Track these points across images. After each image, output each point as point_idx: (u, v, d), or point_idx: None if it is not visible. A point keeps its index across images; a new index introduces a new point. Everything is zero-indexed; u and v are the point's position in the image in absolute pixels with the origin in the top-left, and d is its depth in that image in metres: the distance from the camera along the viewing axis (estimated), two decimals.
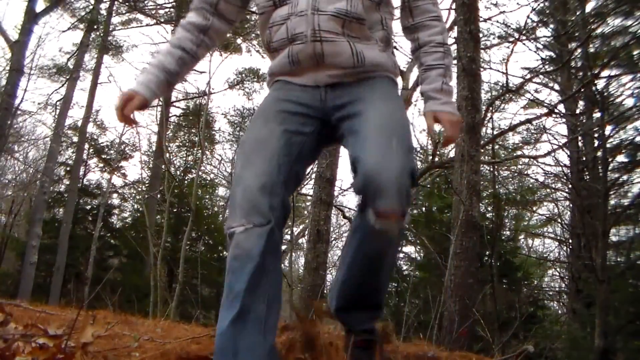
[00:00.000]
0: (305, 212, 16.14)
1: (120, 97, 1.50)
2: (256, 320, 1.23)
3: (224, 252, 16.82)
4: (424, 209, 14.22)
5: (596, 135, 10.28)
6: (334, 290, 1.56)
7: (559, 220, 13.42)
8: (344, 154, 6.52)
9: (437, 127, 1.59)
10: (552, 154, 10.39)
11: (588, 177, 10.70)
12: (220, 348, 1.21)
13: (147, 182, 14.80)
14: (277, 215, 1.32)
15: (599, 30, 8.81)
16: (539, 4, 9.05)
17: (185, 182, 15.63)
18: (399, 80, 1.63)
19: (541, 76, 11.59)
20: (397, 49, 9.56)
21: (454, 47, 9.38)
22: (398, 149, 1.29)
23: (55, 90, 15.04)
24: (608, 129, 9.73)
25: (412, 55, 1.64)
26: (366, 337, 1.52)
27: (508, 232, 13.16)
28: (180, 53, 1.56)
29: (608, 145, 9.68)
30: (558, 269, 14.20)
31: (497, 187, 11.17)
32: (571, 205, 12.07)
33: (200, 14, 1.58)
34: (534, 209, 14.42)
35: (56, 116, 14.24)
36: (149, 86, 1.52)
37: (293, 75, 1.49)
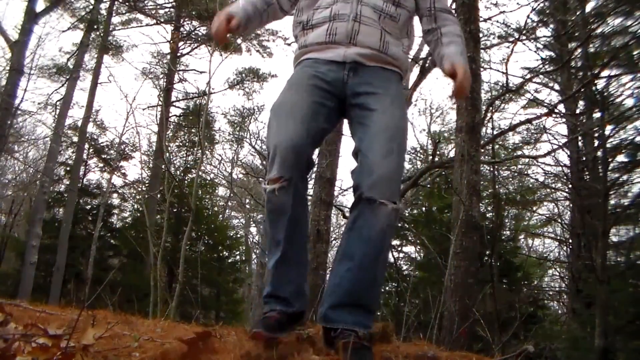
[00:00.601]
0: None
1: (220, 17, 1.74)
2: (293, 261, 1.66)
3: (224, 252, 16.83)
4: (424, 209, 14.23)
5: (596, 135, 10.28)
6: (328, 290, 1.63)
7: (559, 220, 13.42)
8: (343, 155, 6.52)
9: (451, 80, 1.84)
10: (552, 154, 10.39)
11: (588, 177, 10.70)
12: (271, 282, 1.68)
13: (147, 182, 14.80)
14: (303, 169, 1.63)
15: (599, 30, 8.81)
16: (539, 4, 9.04)
17: (185, 182, 15.62)
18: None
19: (541, 76, 11.59)
20: None
21: None
22: (397, 152, 1.60)
23: (55, 90, 15.05)
24: (608, 129, 9.73)
25: (429, 39, 1.90)
26: (354, 338, 1.48)
27: (508, 232, 13.16)
28: (251, 7, 1.84)
29: (608, 145, 9.67)
30: (558, 269, 14.21)
31: (497, 187, 11.17)
32: (571, 205, 12.07)
33: None
34: (534, 209, 14.42)
35: (56, 116, 14.24)
36: (245, 10, 1.80)
37: (324, 50, 1.74)
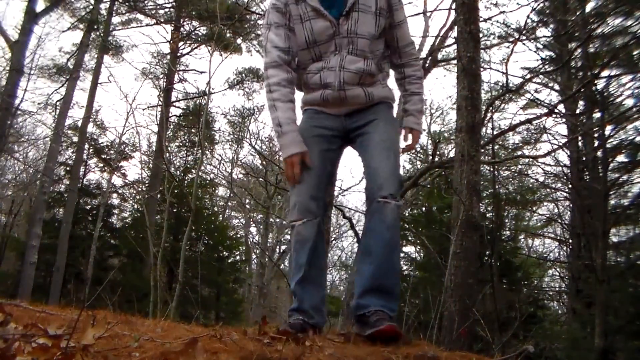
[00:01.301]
0: None
1: (296, 165, 2.00)
2: (312, 281, 2.01)
3: (224, 252, 16.83)
4: (424, 209, 14.22)
5: (596, 135, 10.28)
6: (356, 286, 1.99)
7: (559, 220, 13.42)
8: (343, 156, 6.50)
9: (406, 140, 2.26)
10: (552, 154, 10.40)
11: (588, 177, 10.70)
12: (295, 298, 2.02)
13: (147, 182, 14.80)
14: (321, 213, 2.04)
15: (599, 30, 8.81)
16: (539, 4, 9.04)
17: (185, 182, 15.62)
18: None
19: (541, 76, 11.58)
20: None
21: (454, 47, 9.42)
22: (392, 159, 2.00)
23: (55, 90, 15.06)
24: (608, 129, 9.73)
25: (397, 82, 2.30)
26: (382, 315, 1.82)
27: (508, 232, 13.16)
28: (292, 105, 2.07)
29: (608, 145, 9.68)
30: (558, 269, 14.21)
31: (497, 187, 11.16)
32: (571, 205, 12.07)
33: (285, 70, 2.05)
34: (534, 209, 14.42)
35: (56, 116, 14.24)
36: (302, 141, 2.02)
37: (323, 106, 2.12)
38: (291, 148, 1.99)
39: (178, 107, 18.13)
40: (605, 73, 8.75)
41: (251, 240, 21.61)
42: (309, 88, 2.13)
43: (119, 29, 17.02)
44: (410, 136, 2.21)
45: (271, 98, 2.04)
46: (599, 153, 9.98)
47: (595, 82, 8.78)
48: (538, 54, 11.89)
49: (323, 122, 2.11)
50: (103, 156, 17.26)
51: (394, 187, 1.95)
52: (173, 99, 17.59)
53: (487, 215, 11.38)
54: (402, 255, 13.42)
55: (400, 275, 2.09)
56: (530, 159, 10.98)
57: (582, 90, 9.10)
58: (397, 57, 2.19)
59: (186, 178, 16.25)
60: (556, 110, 9.78)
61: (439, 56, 10.87)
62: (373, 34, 2.03)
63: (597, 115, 10.25)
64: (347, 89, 2.04)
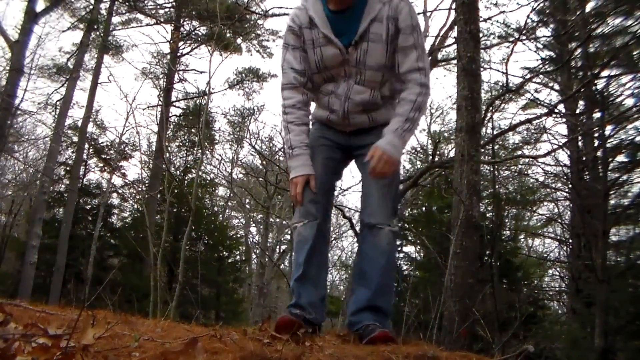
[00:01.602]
0: None
1: (300, 185, 2.04)
2: (310, 279, 2.04)
3: (224, 252, 16.83)
4: (424, 209, 14.22)
5: (596, 135, 10.27)
6: (349, 305, 2.07)
7: (559, 220, 13.41)
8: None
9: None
10: (552, 154, 10.39)
11: (588, 177, 10.70)
12: (293, 294, 2.06)
13: (147, 182, 14.80)
14: (322, 215, 2.08)
15: (599, 30, 8.80)
16: (539, 4, 9.03)
17: (185, 182, 15.62)
18: None
19: (541, 76, 11.58)
20: None
21: (454, 47, 9.42)
22: (387, 187, 2.05)
23: (55, 90, 15.07)
24: (608, 129, 9.73)
25: (395, 101, 2.21)
26: (375, 326, 1.87)
27: (508, 232, 13.16)
28: (306, 128, 2.13)
29: (608, 145, 9.67)
30: (558, 269, 14.21)
31: (497, 187, 11.16)
32: (571, 205, 12.06)
33: (300, 92, 2.10)
34: (534, 209, 14.41)
35: (56, 116, 14.24)
36: (310, 165, 2.08)
37: (329, 124, 2.17)
38: (299, 170, 2.05)
39: (178, 107, 18.15)
40: (605, 73, 8.75)
41: (251, 240, 21.61)
42: (319, 104, 2.19)
43: (119, 29, 17.04)
44: (374, 156, 1.97)
45: (286, 120, 2.10)
46: (599, 153, 9.98)
47: (595, 82, 8.78)
48: (538, 54, 11.89)
49: (329, 135, 2.17)
50: (103, 156, 17.25)
51: (385, 216, 2.00)
52: (173, 98, 17.59)
53: (487, 215, 11.37)
54: (402, 255, 13.44)
55: (393, 295, 2.24)
56: (530, 159, 10.97)
57: (582, 90, 9.10)
58: (399, 83, 2.10)
59: (186, 178, 16.25)
60: (556, 110, 9.79)
61: (439, 56, 10.88)
62: (382, 65, 2.02)
63: (597, 115, 10.24)
64: (352, 117, 2.09)
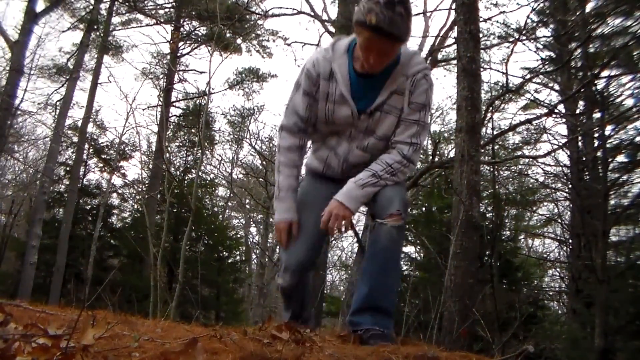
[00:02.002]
0: None
1: (283, 232, 2.04)
2: (299, 316, 2.19)
3: (224, 252, 16.82)
4: (424, 209, 14.22)
5: (596, 135, 10.27)
6: (352, 302, 2.01)
7: (559, 221, 13.41)
8: None
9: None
10: (552, 154, 10.38)
11: (588, 177, 10.69)
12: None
13: (147, 182, 14.80)
14: (307, 270, 2.15)
15: (599, 30, 8.80)
16: (539, 4, 9.03)
17: (185, 182, 15.62)
18: None
19: (541, 76, 11.57)
20: None
21: (454, 47, 9.42)
22: (398, 188, 2.00)
23: (55, 90, 15.08)
24: (608, 129, 9.72)
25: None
26: (375, 332, 1.84)
27: (508, 232, 13.15)
28: (297, 171, 2.11)
29: (608, 145, 9.66)
30: (558, 269, 14.20)
31: (497, 187, 11.16)
32: (571, 205, 12.06)
33: (297, 137, 2.08)
34: (534, 209, 14.41)
35: (56, 116, 14.24)
36: (293, 209, 2.06)
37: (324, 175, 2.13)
38: (283, 214, 2.04)
39: (178, 107, 18.16)
40: (605, 73, 8.73)
41: (251, 240, 21.61)
42: (316, 155, 2.15)
43: (119, 29, 17.05)
44: (326, 210, 1.94)
45: (278, 160, 2.10)
46: (599, 153, 9.97)
47: (595, 82, 8.77)
48: (538, 54, 11.88)
49: (323, 189, 2.11)
50: (103, 156, 17.25)
51: (396, 207, 1.91)
52: (173, 99, 17.60)
53: (487, 215, 11.37)
54: (402, 255, 13.42)
55: (396, 295, 2.09)
56: (530, 159, 10.97)
57: (582, 90, 9.09)
58: (389, 147, 2.04)
59: (186, 178, 16.25)
60: (556, 110, 9.78)
61: (439, 56, 10.89)
62: (388, 136, 2.01)
63: (597, 115, 10.23)
64: (348, 174, 2.06)
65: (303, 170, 2.24)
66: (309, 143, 2.20)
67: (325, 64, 1.99)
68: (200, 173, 14.02)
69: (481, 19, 7.72)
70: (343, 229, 1.95)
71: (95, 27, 15.13)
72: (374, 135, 2.01)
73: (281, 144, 2.09)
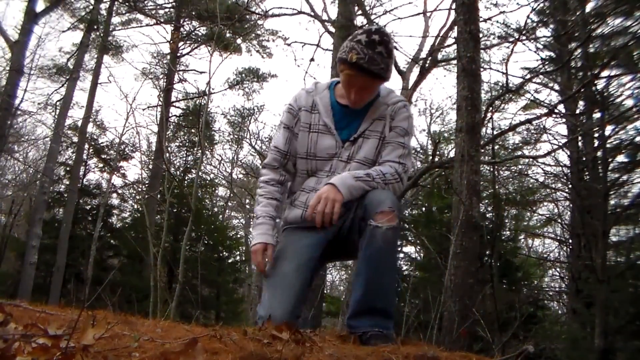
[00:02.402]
0: None
1: (258, 254, 1.99)
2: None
3: (224, 252, 16.84)
4: (424, 209, 14.22)
5: (596, 135, 10.27)
6: (350, 305, 1.93)
7: (559, 221, 13.42)
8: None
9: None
10: (552, 154, 10.40)
11: (588, 177, 10.69)
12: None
13: (147, 182, 14.80)
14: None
15: (599, 30, 8.80)
16: (539, 4, 9.04)
17: (185, 182, 15.62)
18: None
19: (541, 76, 11.57)
20: (397, 49, 9.58)
21: (454, 47, 9.43)
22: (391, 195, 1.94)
23: (55, 90, 15.08)
24: (608, 129, 9.73)
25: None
26: (374, 333, 1.78)
27: (508, 232, 13.16)
28: (276, 203, 2.08)
29: (608, 145, 9.67)
30: (558, 269, 14.21)
31: (497, 187, 11.16)
32: (571, 205, 12.06)
33: (277, 172, 2.09)
34: (534, 209, 14.42)
35: (56, 116, 14.24)
36: (270, 234, 2.01)
37: (302, 223, 2.01)
38: (257, 238, 2.01)
39: (178, 107, 18.15)
40: (605, 73, 8.73)
41: (251, 240, 21.59)
42: (294, 204, 2.09)
43: (119, 29, 17.05)
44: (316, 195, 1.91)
45: (258, 194, 2.11)
46: (599, 153, 9.98)
47: (595, 82, 8.77)
48: (538, 54, 11.88)
49: (304, 234, 2.03)
50: (103, 156, 17.26)
51: (388, 205, 1.84)
52: (173, 99, 17.59)
53: (487, 215, 11.38)
54: (402, 255, 13.43)
55: (395, 295, 2.00)
56: (530, 159, 10.99)
57: (582, 90, 9.09)
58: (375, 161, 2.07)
59: (186, 178, 16.26)
60: (556, 110, 9.78)
61: (439, 56, 10.90)
62: (370, 160, 2.02)
63: (597, 115, 10.24)
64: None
65: (279, 226, 2.20)
66: (285, 198, 2.16)
67: (308, 97, 2.07)
68: (200, 173, 14.02)
69: (481, 19, 7.72)
70: (335, 216, 1.85)
71: (95, 27, 15.13)
72: (355, 160, 2.00)
73: (261, 179, 2.11)
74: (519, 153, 12.29)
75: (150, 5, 17.00)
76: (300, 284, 1.96)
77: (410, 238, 13.32)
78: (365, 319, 1.83)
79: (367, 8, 9.97)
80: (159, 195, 12.80)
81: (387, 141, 2.02)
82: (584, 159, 10.82)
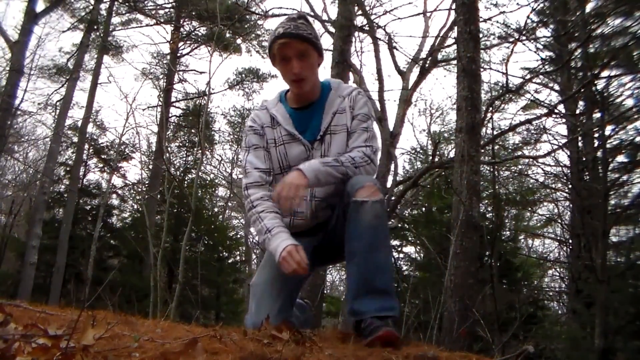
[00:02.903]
0: None
1: (294, 254, 1.83)
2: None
3: (224, 253, 16.83)
4: (424, 209, 14.23)
5: (596, 135, 10.27)
6: (347, 290, 1.89)
7: (559, 221, 13.42)
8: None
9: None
10: (552, 154, 10.39)
11: (588, 177, 10.70)
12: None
13: (147, 182, 14.80)
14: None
15: (599, 30, 8.80)
16: (539, 4, 9.03)
17: (185, 182, 15.62)
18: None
19: (541, 76, 11.58)
20: (397, 49, 9.58)
21: (454, 47, 9.43)
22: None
23: (55, 90, 15.08)
24: (608, 129, 9.72)
25: None
26: (378, 323, 1.70)
27: (508, 232, 13.16)
28: (279, 215, 1.97)
29: (608, 145, 9.67)
30: (558, 269, 14.22)
31: (497, 187, 11.16)
32: (571, 205, 12.06)
33: (265, 188, 2.02)
34: (534, 209, 14.42)
35: (56, 116, 14.24)
36: (291, 239, 1.89)
37: (291, 231, 1.96)
38: (283, 243, 1.87)
39: (178, 108, 18.15)
40: (605, 73, 8.73)
41: (251, 240, 21.52)
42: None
43: (119, 29, 17.05)
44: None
45: (256, 212, 1.97)
46: (599, 153, 9.98)
47: (595, 82, 8.77)
48: (538, 54, 11.89)
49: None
50: (103, 156, 17.25)
51: (367, 181, 1.85)
52: (173, 99, 17.60)
53: (487, 215, 11.38)
54: (401, 255, 13.44)
55: (392, 273, 1.93)
56: (530, 159, 10.98)
57: (582, 90, 9.10)
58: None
59: (186, 178, 16.26)
60: (556, 111, 9.77)
61: (439, 56, 10.89)
62: (343, 152, 2.01)
63: (597, 115, 10.24)
64: (319, 215, 2.04)
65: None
66: None
67: (264, 114, 2.10)
68: (200, 173, 14.02)
69: (481, 19, 7.71)
70: (297, 200, 1.83)
71: (95, 27, 15.13)
72: (331, 157, 1.99)
73: (252, 198, 2.00)
74: (519, 153, 12.29)
75: (150, 5, 17.01)
76: (286, 290, 1.96)
77: (410, 238, 13.32)
78: (367, 300, 1.77)
79: (367, 8, 9.96)
80: (159, 196, 12.81)
81: (352, 130, 2.03)
82: (584, 159, 10.82)
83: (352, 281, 1.83)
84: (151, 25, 17.21)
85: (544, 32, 11.45)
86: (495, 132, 8.82)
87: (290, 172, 1.90)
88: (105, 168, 16.98)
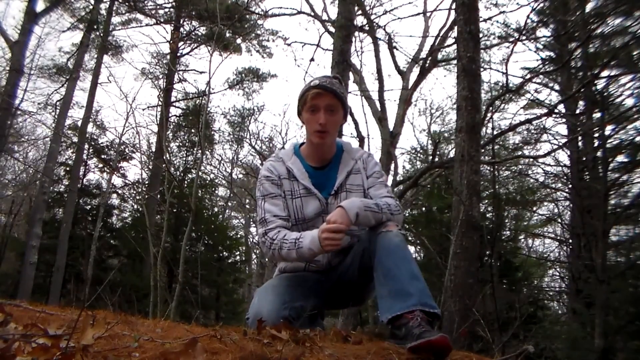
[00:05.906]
0: None
1: (328, 227, 1.84)
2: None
3: (224, 253, 16.84)
4: (424, 209, 14.23)
5: (596, 135, 10.28)
6: (379, 302, 1.79)
7: (559, 220, 13.42)
8: None
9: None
10: (552, 154, 10.40)
11: (588, 177, 10.70)
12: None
13: (147, 182, 14.80)
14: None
15: (599, 30, 8.80)
16: (539, 4, 9.04)
17: (185, 182, 15.62)
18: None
19: (541, 76, 11.58)
20: (397, 49, 9.59)
21: (454, 47, 9.43)
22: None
23: (55, 90, 15.06)
24: (608, 129, 9.73)
25: None
26: (425, 327, 1.57)
27: (508, 232, 13.16)
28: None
29: (608, 145, 9.68)
30: (558, 269, 14.21)
31: (497, 187, 11.16)
32: (571, 205, 12.07)
33: (288, 227, 2.03)
34: (534, 209, 14.42)
35: (56, 116, 14.23)
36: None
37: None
38: (314, 232, 1.90)
39: (178, 107, 18.15)
40: (605, 73, 8.73)
41: (251, 240, 21.62)
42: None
43: (119, 29, 17.04)
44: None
45: (278, 240, 1.97)
46: (599, 153, 9.98)
47: (595, 82, 8.77)
48: (538, 54, 11.90)
49: (304, 284, 2.08)
50: (103, 156, 17.24)
51: (393, 225, 1.92)
52: (173, 99, 17.59)
53: (487, 215, 11.38)
54: None
55: (423, 281, 1.78)
56: (530, 159, 10.99)
57: (582, 90, 9.10)
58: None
59: (186, 178, 16.25)
60: (556, 110, 9.79)
61: (439, 56, 10.90)
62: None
63: (597, 115, 10.24)
64: (332, 261, 2.11)
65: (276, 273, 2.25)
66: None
67: (281, 166, 2.13)
68: (200, 173, 14.02)
69: (481, 19, 7.72)
70: (341, 242, 1.84)
71: (95, 27, 15.12)
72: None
73: (271, 234, 1.99)
74: (519, 153, 12.29)
75: (150, 5, 17.01)
76: (291, 291, 2.00)
77: (410, 238, 13.31)
78: (402, 301, 1.67)
79: (367, 8, 9.96)
80: (159, 196, 12.80)
81: (370, 185, 2.14)
82: (584, 159, 10.82)
83: (387, 291, 1.75)
84: (151, 25, 17.24)
85: (544, 32, 11.47)
86: (495, 132, 8.82)
87: (334, 210, 1.89)
88: (105, 168, 16.96)
